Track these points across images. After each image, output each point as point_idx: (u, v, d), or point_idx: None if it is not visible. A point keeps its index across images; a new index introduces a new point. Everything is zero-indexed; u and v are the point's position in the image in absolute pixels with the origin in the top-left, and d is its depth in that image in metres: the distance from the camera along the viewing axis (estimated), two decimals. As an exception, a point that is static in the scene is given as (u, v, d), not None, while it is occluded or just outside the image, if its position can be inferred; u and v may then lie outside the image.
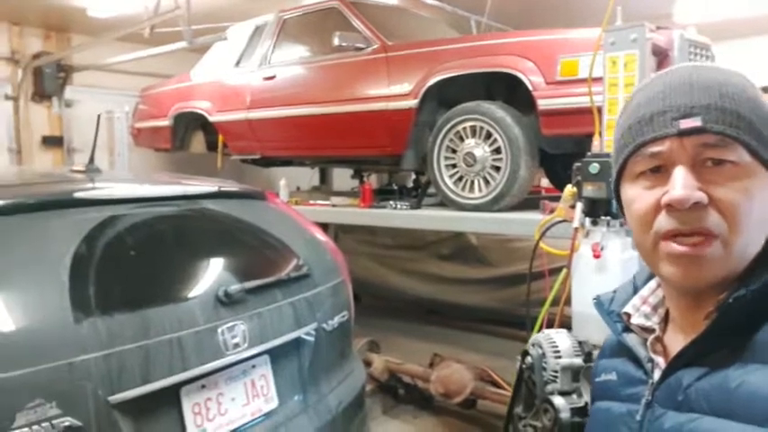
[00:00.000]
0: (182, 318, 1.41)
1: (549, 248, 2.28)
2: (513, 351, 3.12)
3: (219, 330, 1.45)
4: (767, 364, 0.61)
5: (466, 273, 4.54)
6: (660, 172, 0.67)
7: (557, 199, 2.83)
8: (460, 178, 3.00)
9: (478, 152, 2.91)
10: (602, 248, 2.00)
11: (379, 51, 3.40)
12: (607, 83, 2.20)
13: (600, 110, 2.21)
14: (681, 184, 0.64)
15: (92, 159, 1.88)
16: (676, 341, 0.73)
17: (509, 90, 2.96)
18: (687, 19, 4.75)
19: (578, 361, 1.54)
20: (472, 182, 2.96)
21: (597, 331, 1.99)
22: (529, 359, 1.57)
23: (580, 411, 1.45)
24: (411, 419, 3.34)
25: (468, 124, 2.94)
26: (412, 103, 3.14)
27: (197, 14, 4.34)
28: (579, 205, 2.03)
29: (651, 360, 0.74)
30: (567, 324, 2.31)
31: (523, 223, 2.66)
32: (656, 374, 0.73)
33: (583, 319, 2.08)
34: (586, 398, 1.41)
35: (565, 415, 1.42)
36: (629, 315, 0.79)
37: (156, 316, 1.36)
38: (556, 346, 1.53)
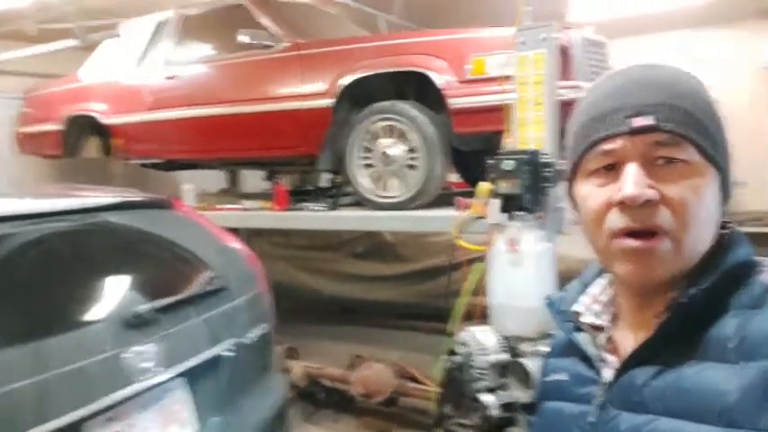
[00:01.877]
0: (84, 345, 1.28)
1: (466, 244, 2.31)
2: (434, 345, 3.17)
3: (127, 355, 1.33)
4: (719, 361, 0.62)
5: (382, 270, 4.53)
6: (613, 170, 0.67)
7: (467, 194, 2.90)
8: (377, 177, 2.98)
9: (394, 151, 2.90)
10: (517, 243, 2.05)
11: (290, 49, 3.30)
12: (517, 81, 2.25)
13: (511, 108, 2.26)
14: (632, 181, 0.64)
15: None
16: (627, 339, 0.73)
17: (421, 89, 2.98)
18: (579, 19, 5.03)
19: (505, 356, 1.57)
20: (389, 181, 2.95)
21: (514, 323, 2.05)
22: (456, 358, 1.58)
23: (509, 407, 1.49)
24: (331, 424, 3.30)
25: (383, 123, 2.92)
26: (328, 102, 3.08)
27: (90, 10, 4.02)
28: (495, 201, 2.07)
29: (602, 359, 0.74)
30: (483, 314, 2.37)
31: (440, 220, 2.69)
32: (608, 373, 0.72)
33: (501, 312, 2.12)
34: (515, 393, 1.44)
35: (494, 412, 1.44)
36: (578, 314, 0.78)
37: (53, 346, 1.22)
38: (482, 343, 1.56)
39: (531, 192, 2.03)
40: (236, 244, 2.10)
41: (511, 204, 2.04)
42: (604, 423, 0.69)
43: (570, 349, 0.79)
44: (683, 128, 0.64)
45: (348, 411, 3.36)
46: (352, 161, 3.04)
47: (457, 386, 1.56)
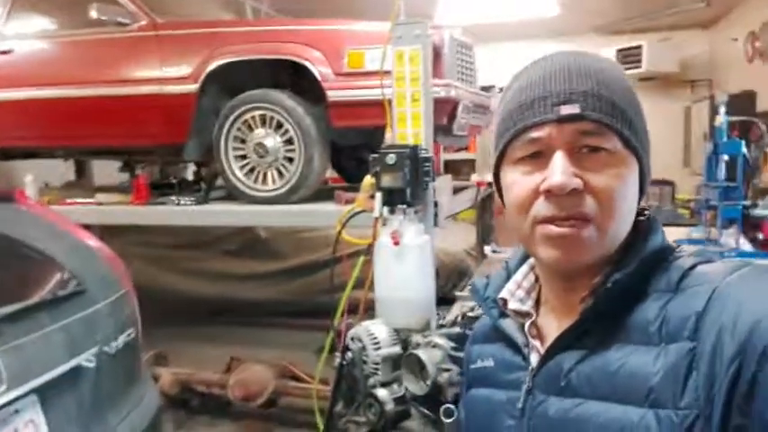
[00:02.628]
0: None
1: (350, 238, 2.28)
2: (313, 342, 3.12)
3: (-36, 374, 1.12)
4: (643, 344, 0.63)
5: (256, 267, 4.38)
6: (538, 157, 0.67)
7: (344, 189, 2.88)
8: (252, 170, 2.84)
9: (270, 142, 2.78)
10: (400, 236, 2.06)
11: (147, 28, 3.03)
12: (395, 77, 2.27)
13: (390, 103, 2.27)
14: (560, 170, 0.64)
15: None
16: (551, 325, 0.74)
17: (296, 80, 2.89)
18: (445, 21, 5.24)
19: (397, 349, 1.57)
20: (265, 173, 2.83)
21: (400, 315, 2.06)
22: (349, 354, 1.54)
23: (402, 400, 1.48)
24: (208, 430, 3.11)
25: (256, 113, 2.79)
26: (192, 87, 2.87)
27: None
28: (378, 195, 2.06)
29: (527, 345, 0.74)
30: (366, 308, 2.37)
31: (321, 214, 2.63)
32: (534, 359, 0.73)
33: (386, 305, 2.12)
34: (410, 385, 1.43)
35: (389, 407, 1.43)
36: (504, 300, 0.78)
37: None
38: (375, 337, 1.53)
39: (412, 186, 2.05)
40: (92, 242, 1.88)
41: (394, 198, 2.05)
42: (533, 408, 0.70)
43: (495, 336, 0.80)
44: (608, 118, 0.66)
45: (225, 416, 3.19)
46: (224, 152, 2.87)
47: (350, 382, 1.52)
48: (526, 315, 0.76)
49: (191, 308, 4.28)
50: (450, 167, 5.09)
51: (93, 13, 2.90)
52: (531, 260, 0.80)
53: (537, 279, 0.79)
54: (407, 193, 2.05)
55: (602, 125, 0.65)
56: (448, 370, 1.36)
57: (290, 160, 2.79)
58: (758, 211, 4.09)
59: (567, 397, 0.67)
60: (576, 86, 0.66)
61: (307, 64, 2.69)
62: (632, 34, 5.32)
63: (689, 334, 0.60)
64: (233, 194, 2.94)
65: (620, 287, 0.66)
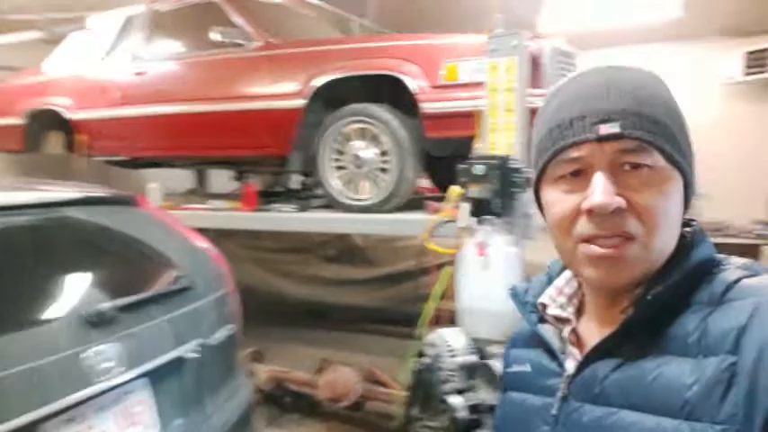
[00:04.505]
0: (41, 344, 1.23)
1: (436, 247, 2.32)
2: (401, 349, 3.17)
3: (87, 355, 1.29)
4: (680, 356, 0.62)
5: (352, 273, 4.52)
6: (579, 176, 0.67)
7: (437, 199, 2.92)
8: (349, 180, 2.97)
9: (366, 154, 2.90)
10: (486, 247, 2.07)
11: (262, 48, 3.27)
12: (489, 88, 2.28)
13: (482, 114, 2.29)
14: (601, 190, 0.64)
15: None
16: (591, 333, 0.74)
17: (393, 92, 2.98)
18: (549, 28, 5.12)
19: (473, 358, 1.58)
20: (360, 183, 2.94)
21: (483, 325, 2.06)
22: (425, 359, 1.58)
23: (476, 409, 1.49)
24: (296, 427, 3.26)
25: (355, 126, 2.92)
26: (300, 102, 3.06)
27: (55, 2, 3.90)
28: (465, 205, 2.08)
29: (565, 352, 0.74)
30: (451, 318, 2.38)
31: (411, 223, 2.69)
32: (571, 366, 0.72)
33: (469, 315, 2.13)
34: (483, 395, 1.44)
35: (462, 414, 1.44)
36: (544, 305, 0.78)
37: (9, 344, 1.17)
38: (450, 345, 1.56)
39: (500, 196, 2.05)
40: (202, 243, 2.07)
41: (481, 208, 2.06)
42: (567, 415, 0.70)
43: (534, 341, 0.80)
44: (650, 135, 0.64)
45: (313, 416, 3.33)
46: (324, 163, 3.02)
47: (425, 388, 1.55)
48: (565, 321, 0.76)
49: (289, 309, 4.50)
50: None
51: (215, 36, 3.19)
52: None
53: (580, 286, 0.78)
54: (495, 203, 2.05)
55: (644, 142, 0.64)
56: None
57: (385, 171, 2.88)
58: None
59: (601, 405, 0.66)
60: (614, 105, 0.65)
61: (403, 78, 2.77)
62: (763, 35, 4.87)
63: (730, 348, 0.59)
64: (331, 203, 3.09)
65: (660, 299, 0.65)
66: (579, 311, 0.77)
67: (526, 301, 0.81)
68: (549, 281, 0.81)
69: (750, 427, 0.55)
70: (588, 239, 0.66)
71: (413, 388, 1.59)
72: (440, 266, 2.78)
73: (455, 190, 2.17)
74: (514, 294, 0.84)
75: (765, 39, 4.82)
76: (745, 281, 0.64)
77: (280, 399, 3.36)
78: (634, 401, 0.63)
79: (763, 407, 0.54)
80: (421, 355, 1.57)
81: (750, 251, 4.46)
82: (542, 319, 0.79)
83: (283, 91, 3.14)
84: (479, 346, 1.57)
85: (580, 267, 0.69)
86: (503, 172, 2.05)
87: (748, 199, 5.06)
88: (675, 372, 0.61)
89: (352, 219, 2.95)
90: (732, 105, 5.23)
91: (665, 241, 0.66)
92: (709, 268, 0.67)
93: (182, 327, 1.61)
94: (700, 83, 5.32)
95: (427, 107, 2.74)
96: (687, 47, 5.29)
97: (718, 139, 5.18)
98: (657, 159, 0.65)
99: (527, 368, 0.79)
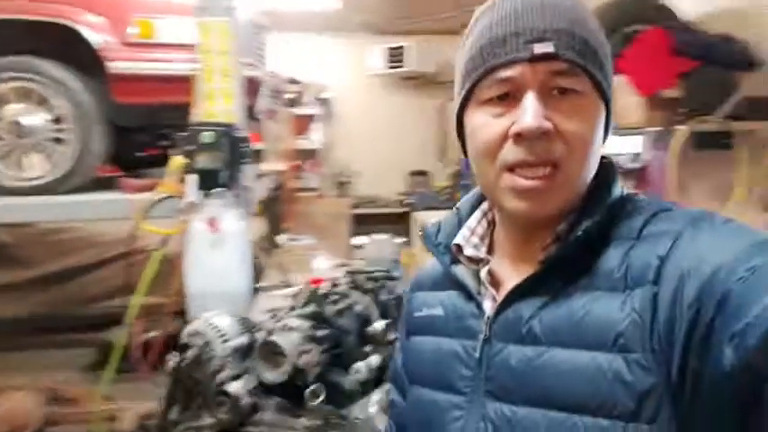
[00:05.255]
0: None
1: (154, 228, 2.02)
2: (78, 359, 2.66)
3: None
4: (608, 291, 0.62)
5: (-2, 278, 3.58)
6: (507, 99, 0.64)
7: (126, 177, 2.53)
8: (7, 153, 2.31)
9: (32, 120, 2.30)
10: (218, 222, 1.91)
11: None
12: (202, 50, 2.07)
13: (197, 78, 2.08)
14: (532, 112, 0.61)
15: None
16: (506, 271, 0.72)
17: (64, 46, 2.44)
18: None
19: (245, 339, 1.42)
20: (25, 158, 2.33)
21: (218, 307, 1.88)
22: (190, 352, 1.35)
23: (254, 392, 1.35)
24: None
25: (13, 84, 2.28)
26: None
27: None
28: (193, 177, 1.86)
29: (479, 293, 0.72)
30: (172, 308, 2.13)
31: (110, 205, 2.26)
32: (488, 306, 0.70)
33: (202, 300, 1.94)
34: (265, 374, 1.31)
35: (244, 401, 1.29)
36: (458, 247, 0.74)
37: None
38: (220, 330, 1.37)
39: (229, 167, 1.91)
40: None
41: (210, 181, 1.87)
42: (490, 357, 0.68)
43: (445, 283, 0.77)
44: (582, 58, 0.63)
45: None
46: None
47: (188, 385, 1.34)
48: (480, 262, 0.74)
49: None
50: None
51: None
52: (484, 205, 0.78)
53: (490, 224, 0.77)
54: (224, 175, 1.90)
55: (576, 65, 0.63)
56: (308, 351, 1.29)
57: (60, 141, 2.35)
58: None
59: (529, 345, 0.65)
60: (549, 24, 0.63)
61: (80, 28, 2.29)
62: (396, 35, 5.75)
63: (653, 279, 0.59)
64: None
65: (588, 235, 0.64)
66: (490, 251, 0.76)
67: (438, 243, 0.77)
68: (459, 222, 0.78)
69: (671, 355, 0.56)
70: (513, 167, 0.64)
71: (170, 388, 1.35)
72: (122, 257, 2.43)
73: (177, 160, 1.92)
74: (426, 236, 0.79)
75: (401, 38, 5.71)
76: (662, 214, 0.65)
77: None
78: (565, 339, 0.62)
79: (681, 334, 0.56)
80: (185, 348, 1.34)
81: (401, 219, 5.27)
82: (455, 261, 0.76)
83: None
84: (249, 324, 1.44)
85: (503, 198, 0.67)
86: (231, 140, 1.91)
87: (391, 175, 5.98)
88: (605, 307, 0.61)
89: (20, 204, 2.30)
90: (377, 95, 6.05)
91: (589, 170, 0.66)
92: (625, 203, 0.68)
93: None
94: (352, 73, 6.00)
95: (115, 67, 2.33)
96: (343, 39, 5.86)
97: (367, 124, 5.96)
98: (586, 85, 0.64)
99: (439, 311, 0.76)
